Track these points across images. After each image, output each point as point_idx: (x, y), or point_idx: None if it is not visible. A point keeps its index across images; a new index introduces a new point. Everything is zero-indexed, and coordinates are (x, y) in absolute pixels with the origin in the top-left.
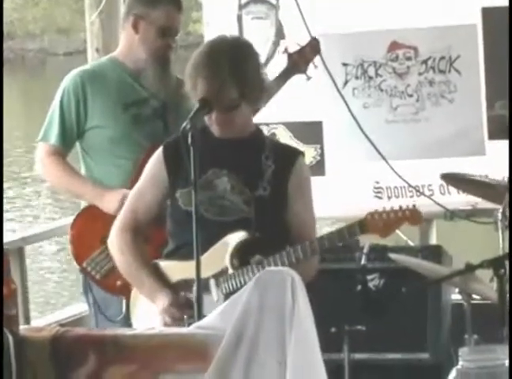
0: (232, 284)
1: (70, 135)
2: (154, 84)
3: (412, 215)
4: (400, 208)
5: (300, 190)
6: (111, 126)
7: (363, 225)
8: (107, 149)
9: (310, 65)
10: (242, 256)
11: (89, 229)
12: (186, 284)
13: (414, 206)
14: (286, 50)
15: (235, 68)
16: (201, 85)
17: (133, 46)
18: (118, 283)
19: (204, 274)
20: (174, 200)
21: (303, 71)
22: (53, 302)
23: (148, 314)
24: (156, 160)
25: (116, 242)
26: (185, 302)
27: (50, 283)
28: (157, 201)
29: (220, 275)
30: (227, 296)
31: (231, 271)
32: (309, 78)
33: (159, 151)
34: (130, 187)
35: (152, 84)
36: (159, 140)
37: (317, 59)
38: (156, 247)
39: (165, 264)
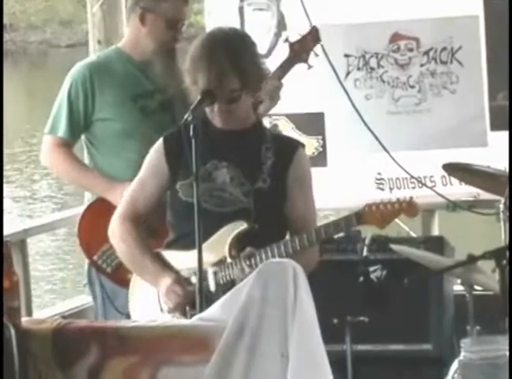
0: (230, 274)
1: (78, 127)
2: (161, 76)
3: (409, 207)
4: (398, 199)
5: (300, 182)
6: (120, 119)
7: (360, 216)
8: (115, 142)
9: (312, 54)
10: (241, 246)
11: (98, 222)
12: (186, 273)
13: (411, 198)
14: (287, 40)
15: (233, 57)
16: (201, 78)
17: (140, 38)
18: (130, 275)
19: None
20: (174, 191)
21: (305, 60)
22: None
23: (146, 303)
24: (156, 152)
25: (117, 231)
26: (188, 284)
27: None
28: (157, 192)
29: (218, 265)
30: (224, 286)
31: (229, 260)
32: (310, 67)
33: (159, 143)
34: None
35: (159, 77)
36: None
37: (318, 50)
38: (163, 240)
39: (166, 254)
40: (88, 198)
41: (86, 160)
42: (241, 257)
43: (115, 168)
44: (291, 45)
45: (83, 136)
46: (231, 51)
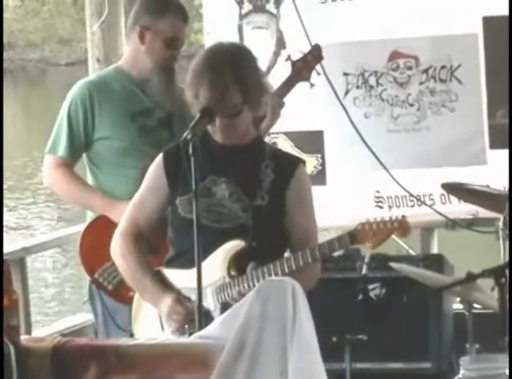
0: (229, 293)
1: (78, 146)
2: (159, 94)
3: (401, 226)
4: (390, 218)
5: (299, 199)
6: (119, 137)
7: (353, 236)
8: (115, 160)
9: (313, 73)
10: (240, 265)
11: (100, 240)
12: (186, 293)
13: (403, 216)
14: (289, 58)
15: (236, 72)
16: (203, 93)
17: (139, 56)
18: (131, 293)
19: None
20: (174, 207)
21: (307, 78)
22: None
23: (148, 322)
24: (156, 168)
25: (118, 249)
26: (188, 302)
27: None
28: (158, 209)
29: (217, 284)
30: (223, 305)
31: (227, 280)
32: (312, 85)
33: (159, 159)
34: None
35: (157, 94)
36: None
37: (318, 67)
38: (163, 257)
39: (166, 272)
40: (90, 216)
41: (89, 181)
42: (248, 269)
43: (116, 186)
44: (293, 63)
45: (84, 156)
46: (234, 65)
